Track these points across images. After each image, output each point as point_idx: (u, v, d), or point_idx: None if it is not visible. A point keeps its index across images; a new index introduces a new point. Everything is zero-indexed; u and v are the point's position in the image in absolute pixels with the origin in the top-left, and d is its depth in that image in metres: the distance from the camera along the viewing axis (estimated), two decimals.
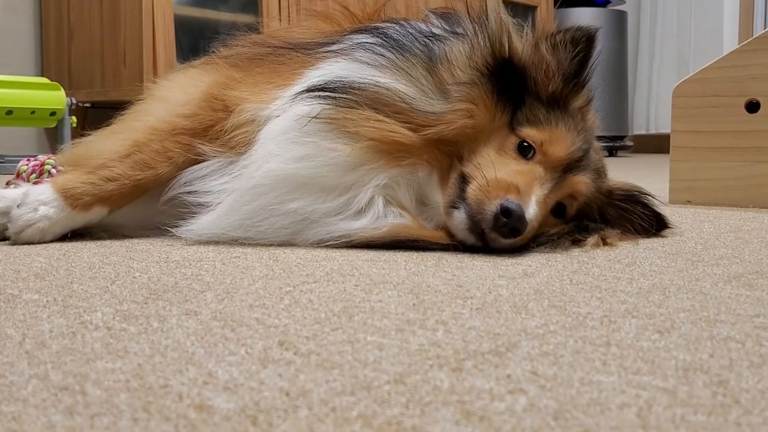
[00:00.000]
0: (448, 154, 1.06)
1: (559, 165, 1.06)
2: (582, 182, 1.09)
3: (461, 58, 1.07)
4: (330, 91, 1.06)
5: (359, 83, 1.06)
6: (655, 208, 1.20)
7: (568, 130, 1.08)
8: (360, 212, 1.05)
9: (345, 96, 1.05)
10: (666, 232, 1.24)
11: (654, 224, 1.20)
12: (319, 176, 1.05)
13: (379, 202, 1.06)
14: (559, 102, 1.09)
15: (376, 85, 1.06)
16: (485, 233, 1.00)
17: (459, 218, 1.02)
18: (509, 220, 0.97)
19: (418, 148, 1.05)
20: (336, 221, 1.05)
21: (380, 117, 1.04)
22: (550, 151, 1.05)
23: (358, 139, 1.04)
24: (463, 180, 1.03)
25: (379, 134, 1.04)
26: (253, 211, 1.06)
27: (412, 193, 1.08)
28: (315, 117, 1.05)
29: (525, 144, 1.05)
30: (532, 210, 1.00)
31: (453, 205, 1.03)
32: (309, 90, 1.07)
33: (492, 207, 0.98)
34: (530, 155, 1.05)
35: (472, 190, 1.01)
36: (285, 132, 1.06)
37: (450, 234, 1.05)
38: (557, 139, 1.06)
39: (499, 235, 0.99)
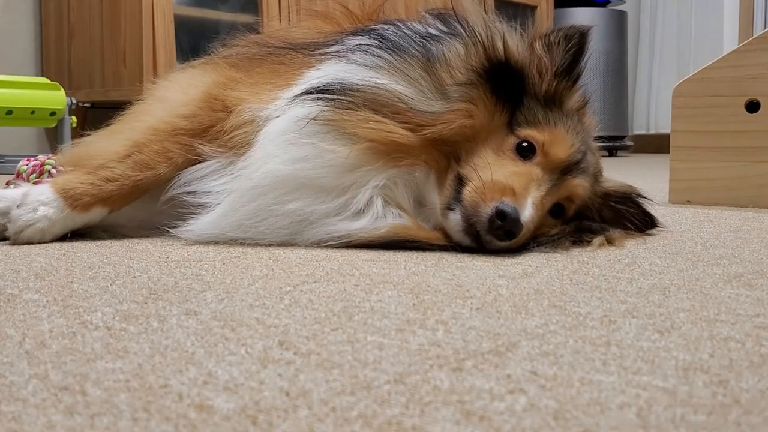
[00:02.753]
0: (446, 154, 1.06)
1: (558, 166, 1.06)
2: (580, 185, 1.09)
3: (459, 59, 1.07)
4: (329, 93, 1.06)
5: (358, 85, 1.06)
6: (645, 208, 1.20)
7: (567, 130, 1.08)
8: (359, 213, 1.06)
9: (343, 98, 1.06)
10: (658, 230, 1.23)
11: (647, 223, 1.20)
12: (318, 177, 1.05)
13: (378, 202, 1.06)
14: (556, 101, 1.09)
15: (375, 87, 1.06)
16: (480, 235, 1.00)
17: (454, 220, 1.03)
18: (504, 223, 0.97)
19: (416, 148, 1.05)
20: (335, 222, 1.06)
21: (378, 118, 1.04)
22: (550, 152, 1.05)
23: (357, 141, 1.04)
24: (460, 181, 1.04)
25: (377, 135, 1.04)
26: (252, 212, 1.06)
27: (410, 193, 1.08)
28: (313, 119, 1.05)
29: (525, 144, 1.05)
30: (527, 213, 1.00)
31: (449, 207, 1.04)
32: (308, 92, 1.07)
33: (487, 209, 0.98)
34: (530, 156, 1.05)
35: (467, 191, 1.01)
36: (283, 133, 1.06)
37: (447, 235, 1.05)
38: (557, 140, 1.06)
39: (494, 237, 0.99)
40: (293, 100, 1.08)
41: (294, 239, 1.07)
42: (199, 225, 1.08)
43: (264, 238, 1.07)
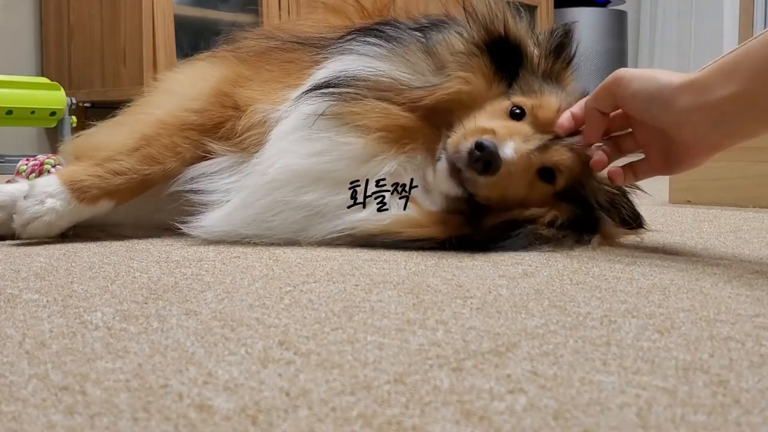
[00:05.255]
0: (441, 126, 1.07)
1: (548, 128, 1.07)
2: (569, 152, 1.08)
3: (459, 36, 1.10)
4: (333, 87, 1.07)
5: (360, 75, 1.08)
6: (632, 200, 1.19)
7: (558, 99, 1.10)
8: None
9: (347, 89, 1.07)
10: (650, 229, 1.22)
11: (634, 217, 1.18)
12: (335, 170, 1.06)
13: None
14: (552, 78, 1.13)
15: (376, 73, 1.07)
16: (462, 175, 1.01)
17: (440, 167, 1.04)
18: (482, 154, 0.98)
19: (416, 129, 1.07)
20: (344, 213, 1.06)
21: (384, 105, 1.06)
22: (539, 114, 1.07)
23: (369, 131, 1.06)
24: (447, 139, 1.05)
25: (386, 122, 1.06)
26: (266, 206, 1.06)
27: (417, 178, 1.08)
28: (321, 114, 1.05)
29: (517, 111, 1.07)
30: (508, 150, 1.01)
31: (437, 159, 1.05)
32: (313, 89, 1.08)
33: (467, 145, 1.00)
34: (520, 119, 1.07)
35: (451, 138, 1.04)
36: (295, 131, 1.07)
37: (446, 226, 1.05)
38: (546, 104, 1.08)
39: (474, 171, 1.00)
40: (299, 98, 1.08)
41: (304, 235, 1.07)
42: (210, 221, 1.07)
43: (274, 234, 1.07)
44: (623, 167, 1.10)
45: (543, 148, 1.06)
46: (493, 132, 1.01)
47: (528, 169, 1.05)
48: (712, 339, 0.62)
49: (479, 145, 0.98)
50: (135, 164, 1.09)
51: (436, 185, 1.05)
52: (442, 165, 1.03)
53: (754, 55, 0.88)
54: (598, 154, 1.07)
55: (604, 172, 1.17)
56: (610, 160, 1.09)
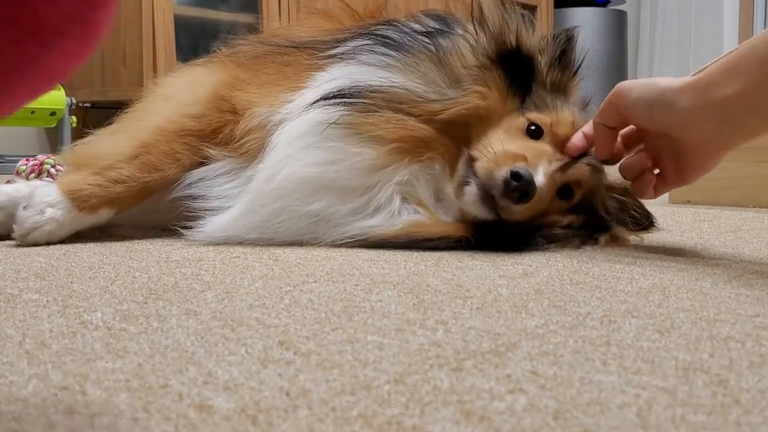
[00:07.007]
0: (458, 140, 1.07)
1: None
2: (588, 168, 1.09)
3: (471, 47, 1.10)
4: (347, 97, 1.07)
5: (374, 86, 1.07)
6: (645, 207, 1.20)
7: (573, 115, 1.11)
8: (377, 210, 1.06)
9: (362, 100, 1.06)
10: (656, 230, 1.22)
11: (646, 217, 1.19)
12: (344, 179, 1.06)
13: (396, 199, 1.07)
14: (561, 90, 1.13)
15: (391, 85, 1.07)
16: (496, 201, 1.01)
17: (470, 192, 1.03)
18: (519, 184, 0.98)
19: (433, 140, 1.07)
20: (354, 221, 1.06)
21: (399, 116, 1.06)
22: (558, 131, 1.08)
23: (383, 142, 1.05)
24: (471, 160, 1.05)
25: (402, 133, 1.06)
26: (272, 213, 1.06)
27: (430, 188, 1.09)
28: (333, 123, 1.05)
29: (533, 127, 1.08)
30: (540, 177, 1.01)
31: (464, 182, 1.04)
32: (325, 97, 1.07)
33: (502, 173, 1.00)
34: (539, 137, 1.08)
35: (481, 163, 1.03)
36: (303, 137, 1.06)
37: (461, 226, 1.05)
38: (564, 121, 1.09)
39: (510, 200, 1.00)
40: (311, 105, 1.08)
41: (309, 238, 1.07)
42: (213, 226, 1.07)
43: (280, 239, 1.07)
44: None
45: (563, 166, 1.07)
46: (524, 158, 1.02)
47: (551, 189, 1.06)
48: (712, 339, 0.62)
49: (516, 175, 0.98)
50: (135, 172, 1.09)
51: (464, 207, 1.05)
52: (472, 190, 1.03)
53: (758, 53, 0.88)
54: (646, 182, 1.07)
55: (610, 178, 1.18)
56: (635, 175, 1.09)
